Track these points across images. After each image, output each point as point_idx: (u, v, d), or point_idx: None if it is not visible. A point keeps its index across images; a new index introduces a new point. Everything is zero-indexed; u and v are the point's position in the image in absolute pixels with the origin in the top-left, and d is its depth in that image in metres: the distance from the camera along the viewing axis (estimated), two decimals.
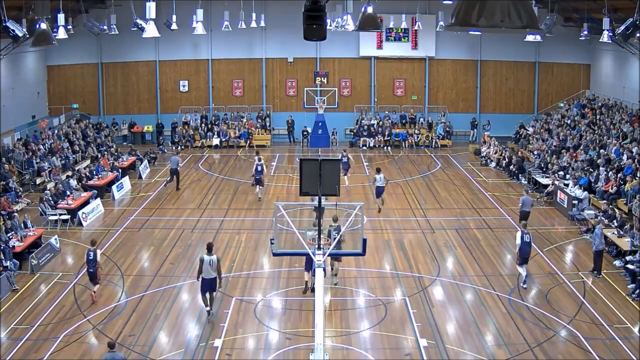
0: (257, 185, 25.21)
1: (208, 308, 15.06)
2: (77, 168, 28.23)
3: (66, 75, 36.27)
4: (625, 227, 19.10)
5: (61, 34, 22.56)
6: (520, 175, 28.33)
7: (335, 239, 12.31)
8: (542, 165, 27.78)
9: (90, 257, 16.04)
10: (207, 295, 15.02)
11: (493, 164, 31.09)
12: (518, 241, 16.80)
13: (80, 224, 22.13)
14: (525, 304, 15.90)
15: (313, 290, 15.13)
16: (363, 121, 36.39)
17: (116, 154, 30.07)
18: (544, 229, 21.83)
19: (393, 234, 21.49)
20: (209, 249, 15.10)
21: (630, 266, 17.09)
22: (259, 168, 25.03)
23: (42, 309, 15.59)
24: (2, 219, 19.36)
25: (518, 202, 22.80)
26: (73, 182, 24.68)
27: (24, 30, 21.43)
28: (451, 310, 15.69)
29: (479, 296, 16.45)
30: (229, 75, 37.37)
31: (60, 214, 21.99)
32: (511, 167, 29.00)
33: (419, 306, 15.79)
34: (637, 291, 16.17)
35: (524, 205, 21.35)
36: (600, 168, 24.32)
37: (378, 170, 24.09)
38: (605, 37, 23.66)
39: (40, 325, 14.73)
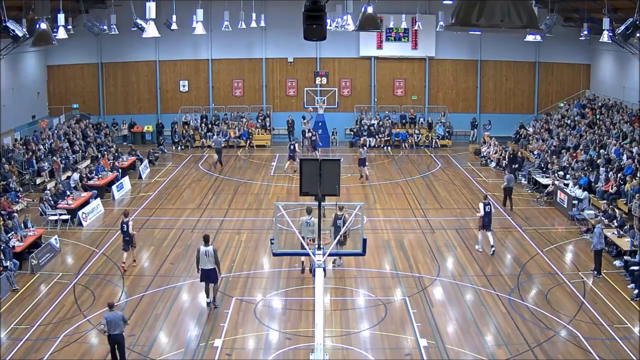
0: (290, 161, 29.41)
1: (208, 300, 15.55)
2: (77, 168, 28.23)
3: (66, 75, 36.27)
4: (625, 227, 19.09)
5: (61, 34, 22.54)
6: (515, 169, 28.34)
7: (339, 227, 12.57)
8: (542, 165, 27.78)
9: (124, 229, 17.91)
10: (208, 286, 15.49)
11: (493, 164, 31.08)
12: (481, 212, 19.24)
13: (80, 224, 22.13)
14: (525, 304, 15.90)
15: (311, 271, 15.23)
16: (363, 121, 36.40)
17: (116, 154, 30.07)
18: (544, 229, 21.84)
19: (393, 234, 21.49)
20: (206, 240, 15.50)
21: (634, 267, 16.97)
22: (292, 147, 29.58)
23: (42, 309, 15.60)
24: (2, 219, 19.37)
25: (518, 202, 24.62)
26: (76, 176, 24.78)
27: (24, 30, 21.43)
28: (451, 310, 15.69)
29: (479, 296, 16.45)
30: (229, 75, 37.37)
31: (60, 214, 21.99)
32: (513, 165, 28.95)
33: (419, 306, 15.79)
34: (637, 291, 16.17)
35: (508, 182, 24.12)
36: (600, 168, 24.31)
37: (362, 146, 29.36)
38: (605, 37, 23.66)
39: (40, 325, 14.73)
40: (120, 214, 23.43)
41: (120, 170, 28.04)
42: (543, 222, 22.69)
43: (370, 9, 17.06)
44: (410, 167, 31.41)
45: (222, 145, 31.96)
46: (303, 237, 14.10)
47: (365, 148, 28.96)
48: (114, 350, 12.75)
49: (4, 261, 17.09)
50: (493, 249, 19.23)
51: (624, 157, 24.13)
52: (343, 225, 15.62)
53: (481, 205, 19.48)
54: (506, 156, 29.72)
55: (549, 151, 29.12)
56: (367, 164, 28.96)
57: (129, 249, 18.13)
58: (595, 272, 17.51)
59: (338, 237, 13.48)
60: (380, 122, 36.42)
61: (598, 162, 25.01)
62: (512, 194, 24.24)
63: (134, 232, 18.55)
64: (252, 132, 36.03)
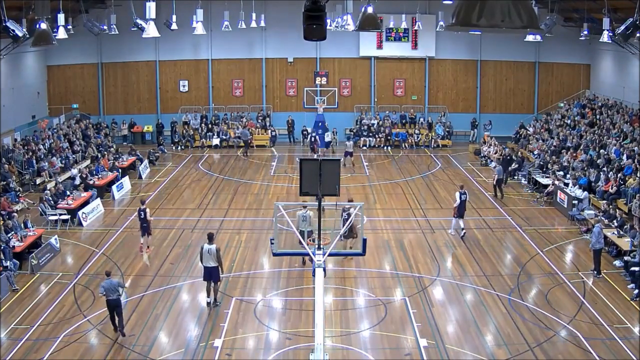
0: (313, 152, 32.52)
1: (208, 299, 15.69)
2: (78, 167, 28.23)
3: (66, 75, 36.27)
4: (625, 227, 19.08)
5: (61, 34, 22.55)
6: (515, 169, 28.53)
7: (345, 220, 12.80)
8: (542, 165, 27.78)
9: (142, 216, 19.23)
10: (210, 285, 15.63)
11: (493, 164, 31.01)
12: (458, 201, 20.50)
13: (80, 224, 22.12)
14: (525, 304, 15.90)
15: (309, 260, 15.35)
16: (363, 121, 36.42)
17: (116, 154, 30.07)
18: (544, 229, 21.84)
19: (393, 234, 21.49)
20: (210, 238, 15.74)
21: (635, 268, 16.93)
22: (312, 139, 33.29)
23: (42, 309, 15.60)
24: (2, 219, 19.37)
25: (518, 202, 24.96)
26: (76, 172, 24.84)
27: (24, 30, 21.43)
28: (451, 310, 15.68)
29: (479, 296, 16.45)
30: (229, 75, 37.37)
31: (60, 214, 21.99)
32: (508, 166, 28.93)
33: (419, 306, 15.79)
34: (637, 291, 16.16)
35: (498, 173, 25.59)
36: (603, 168, 24.29)
37: (348, 138, 33.43)
38: (605, 37, 23.66)
39: (40, 325, 14.73)
40: (119, 214, 23.56)
41: (120, 170, 28.04)
42: (543, 222, 22.68)
43: (370, 9, 17.06)
44: (410, 167, 31.41)
45: (249, 137, 34.56)
46: (302, 232, 14.19)
47: (351, 141, 32.04)
48: (113, 313, 14.19)
49: (4, 261, 17.09)
50: (464, 231, 20.67)
51: (624, 157, 24.13)
52: (348, 219, 15.74)
53: (457, 195, 20.69)
54: (501, 157, 29.69)
55: (549, 151, 29.12)
56: (353, 155, 31.63)
57: (147, 235, 19.44)
58: (595, 272, 17.50)
59: (339, 236, 13.47)
60: (380, 122, 36.42)
61: (598, 162, 25.02)
62: (502, 184, 25.84)
63: (151, 218, 19.73)
64: (252, 132, 35.97)
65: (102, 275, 17.58)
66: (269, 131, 35.88)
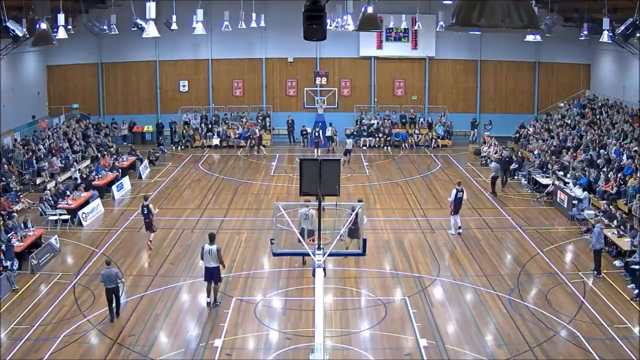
0: (315, 149, 33.22)
1: (208, 299, 15.71)
2: (78, 167, 28.23)
3: (66, 75, 36.25)
4: (623, 226, 19.06)
5: (61, 34, 22.51)
6: (515, 169, 28.60)
7: (348, 220, 13.71)
8: (542, 165, 27.76)
9: (145, 212, 19.72)
10: (210, 285, 15.64)
11: (493, 164, 30.98)
12: (452, 197, 20.75)
13: (80, 224, 22.12)
14: (525, 304, 15.90)
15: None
16: (363, 121, 36.42)
17: (116, 154, 30.05)
18: (544, 229, 21.83)
19: (393, 234, 21.49)
20: (211, 238, 15.71)
21: (635, 267, 16.92)
22: (316, 133, 33.94)
23: (42, 309, 15.59)
24: (2, 219, 19.37)
25: (518, 202, 24.92)
26: (75, 171, 24.99)
27: (24, 30, 21.44)
28: (451, 310, 15.68)
29: (479, 296, 16.45)
30: (229, 75, 37.36)
31: (60, 214, 21.99)
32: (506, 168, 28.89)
33: (419, 306, 15.78)
34: (637, 291, 16.16)
35: (495, 171, 26.20)
36: (603, 168, 24.28)
37: (348, 136, 34.60)
38: (605, 37, 23.66)
39: (40, 325, 14.73)
40: (119, 214, 23.56)
41: (120, 170, 28.03)
42: (543, 222, 22.68)
43: (370, 9, 17.02)
44: (410, 167, 31.41)
45: (257, 134, 34.63)
46: (302, 229, 14.18)
47: (352, 140, 32.86)
48: (111, 300, 14.79)
49: (4, 261, 17.09)
50: (460, 230, 20.95)
51: (624, 157, 24.13)
52: (356, 219, 15.70)
53: (453, 192, 20.87)
54: (500, 158, 29.67)
55: (549, 151, 29.11)
56: (352, 154, 32.29)
57: (149, 231, 19.86)
58: (595, 272, 17.50)
59: (340, 233, 13.46)
60: (380, 122, 36.42)
61: (598, 162, 25.02)
62: (496, 182, 26.13)
63: (157, 209, 20.48)
64: (254, 132, 35.53)
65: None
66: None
